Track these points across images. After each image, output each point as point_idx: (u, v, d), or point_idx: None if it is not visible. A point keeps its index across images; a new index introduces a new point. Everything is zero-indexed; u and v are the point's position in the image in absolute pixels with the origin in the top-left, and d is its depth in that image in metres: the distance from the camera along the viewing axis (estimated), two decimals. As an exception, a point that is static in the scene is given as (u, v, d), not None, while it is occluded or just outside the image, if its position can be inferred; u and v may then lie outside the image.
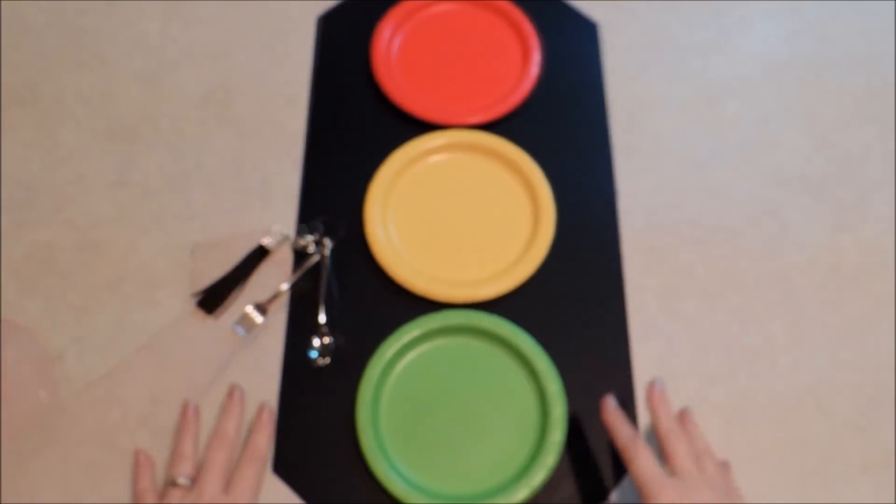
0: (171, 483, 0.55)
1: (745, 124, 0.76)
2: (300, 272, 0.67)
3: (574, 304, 0.67)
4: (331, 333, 0.65)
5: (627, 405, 0.63)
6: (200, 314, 0.66)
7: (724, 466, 0.55)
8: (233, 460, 0.58)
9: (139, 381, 0.63)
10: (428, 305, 0.66)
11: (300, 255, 0.68)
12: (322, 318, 0.65)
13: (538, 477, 0.58)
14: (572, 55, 0.79)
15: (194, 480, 0.56)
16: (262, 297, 0.67)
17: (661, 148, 0.75)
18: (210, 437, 0.59)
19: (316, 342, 0.65)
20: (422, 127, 0.74)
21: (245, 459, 0.57)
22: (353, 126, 0.75)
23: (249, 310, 0.66)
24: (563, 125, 0.75)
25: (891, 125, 0.77)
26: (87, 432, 0.61)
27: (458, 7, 0.81)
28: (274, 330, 0.65)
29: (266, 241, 0.68)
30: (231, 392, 0.61)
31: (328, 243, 0.68)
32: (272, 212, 0.70)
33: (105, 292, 0.66)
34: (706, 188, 0.73)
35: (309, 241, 0.68)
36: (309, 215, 0.70)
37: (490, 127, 0.75)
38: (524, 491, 0.58)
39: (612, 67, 0.79)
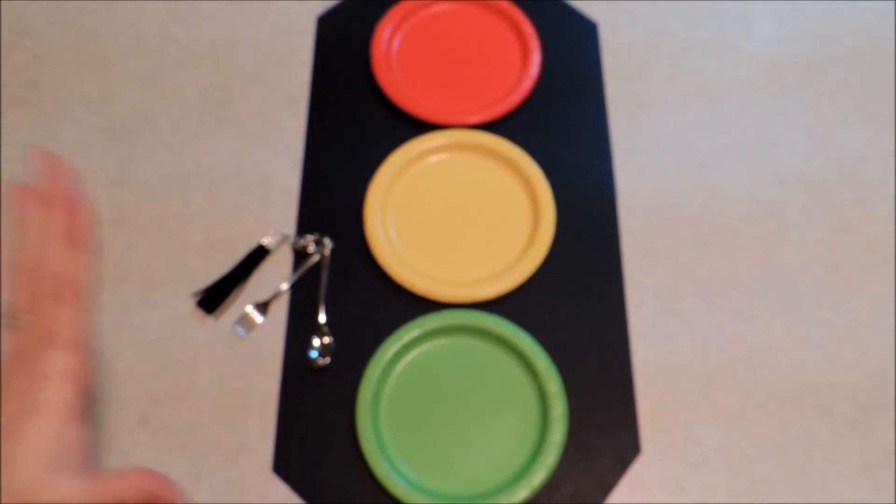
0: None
1: (745, 124, 0.76)
2: (300, 272, 0.67)
3: (574, 304, 0.67)
4: (330, 333, 0.65)
5: (627, 404, 0.63)
6: (200, 314, 0.66)
7: None
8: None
9: (139, 381, 0.63)
10: (428, 305, 0.66)
11: (300, 255, 0.68)
12: (322, 318, 0.65)
13: (538, 477, 0.58)
14: (572, 55, 0.79)
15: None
16: (262, 297, 0.67)
17: (661, 148, 0.75)
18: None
19: (316, 342, 0.65)
20: (421, 127, 0.74)
21: (50, 296, 0.39)
22: (352, 126, 0.75)
23: (249, 310, 0.66)
24: (563, 125, 0.75)
25: (890, 125, 0.77)
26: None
27: (457, 7, 0.81)
28: (274, 330, 0.65)
29: (266, 241, 0.68)
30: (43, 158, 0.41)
31: (328, 243, 0.68)
32: (272, 212, 0.70)
33: (105, 292, 0.66)
34: (706, 188, 0.73)
35: (309, 241, 0.68)
36: (309, 215, 0.70)
37: (490, 127, 0.75)
38: (524, 491, 0.58)
39: (611, 67, 0.79)
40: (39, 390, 0.36)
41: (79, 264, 0.39)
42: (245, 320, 0.65)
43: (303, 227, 0.70)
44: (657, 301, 0.68)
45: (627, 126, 0.76)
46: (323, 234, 0.69)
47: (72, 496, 0.36)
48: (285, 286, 0.67)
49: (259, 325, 0.65)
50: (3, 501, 0.35)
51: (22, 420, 0.36)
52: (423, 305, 0.66)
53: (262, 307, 0.66)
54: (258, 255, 0.68)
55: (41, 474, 0.35)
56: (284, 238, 0.69)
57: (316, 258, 0.68)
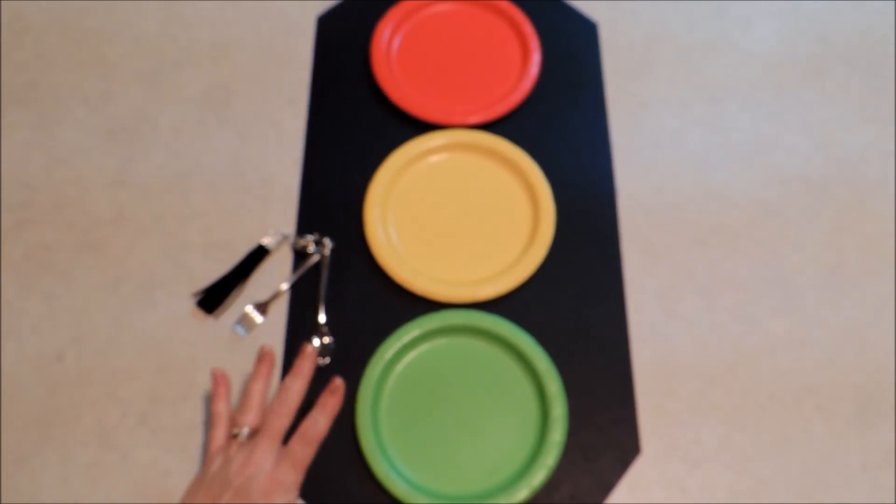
0: (233, 434, 0.56)
1: (745, 124, 0.76)
2: (300, 272, 0.67)
3: (574, 304, 0.67)
4: (331, 333, 0.65)
5: (627, 404, 0.63)
6: (200, 314, 0.66)
7: None
8: (288, 428, 0.57)
9: (139, 381, 0.63)
10: (428, 305, 0.66)
11: (300, 255, 0.68)
12: (322, 318, 0.65)
13: (538, 477, 0.58)
14: (572, 55, 0.79)
15: (252, 434, 0.56)
16: (262, 297, 0.67)
17: (661, 148, 0.75)
18: (273, 398, 0.58)
19: (316, 342, 0.65)
20: (422, 127, 0.74)
21: (298, 438, 0.56)
22: (352, 126, 0.75)
23: (249, 310, 0.66)
24: (563, 125, 0.75)
25: (891, 125, 0.77)
26: (87, 432, 0.61)
27: (458, 7, 0.81)
28: (274, 330, 0.65)
29: (266, 241, 0.68)
30: (304, 350, 0.60)
31: (328, 243, 0.68)
32: (272, 212, 0.70)
33: (105, 292, 0.67)
34: (706, 188, 0.73)
35: (309, 241, 0.68)
36: (309, 215, 0.70)
37: (490, 127, 0.75)
38: (524, 491, 0.58)
39: (611, 67, 0.79)
40: (279, 495, 0.53)
41: (326, 425, 0.57)
42: (245, 320, 0.65)
43: (303, 227, 0.70)
44: (657, 301, 0.68)
45: (627, 126, 0.76)
46: (323, 234, 0.69)
47: None
48: (285, 286, 0.67)
49: (259, 325, 0.65)
50: None
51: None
52: (423, 305, 0.66)
53: (262, 307, 0.66)
54: (258, 255, 0.68)
55: None
56: (284, 238, 0.69)
57: (316, 258, 0.68)
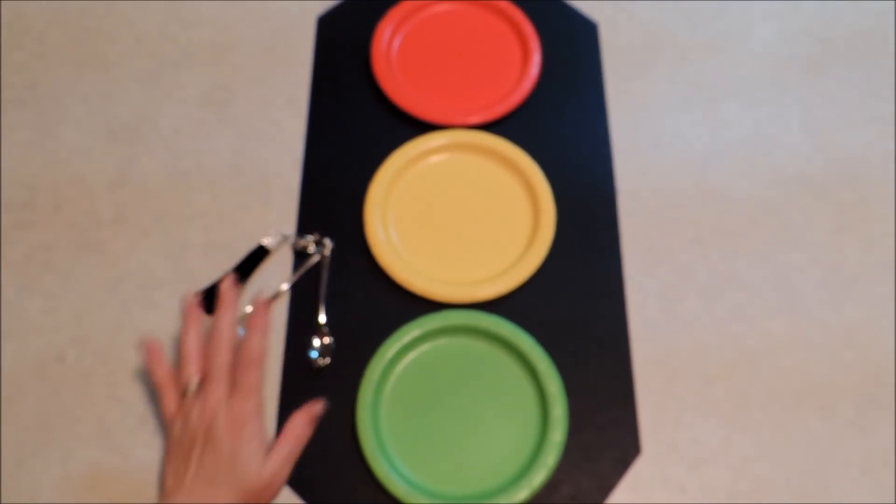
0: (183, 391, 0.56)
1: (745, 124, 0.76)
2: (300, 272, 0.67)
3: (574, 304, 0.67)
4: (331, 333, 0.65)
5: (627, 404, 0.63)
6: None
7: None
8: (231, 363, 0.57)
9: (139, 381, 0.63)
10: (428, 305, 0.66)
11: (300, 256, 0.68)
12: (322, 318, 0.65)
13: (538, 477, 0.58)
14: (572, 55, 0.79)
15: (201, 382, 0.56)
16: (262, 297, 0.67)
17: (661, 148, 0.75)
18: (207, 340, 0.58)
19: (316, 342, 0.65)
20: (422, 127, 0.74)
21: (241, 366, 0.56)
22: (352, 126, 0.75)
23: (250, 310, 0.66)
24: (563, 125, 0.75)
25: (891, 125, 0.77)
26: (87, 432, 0.61)
27: (458, 7, 0.81)
28: (274, 330, 0.65)
29: (266, 242, 0.68)
30: (223, 284, 0.61)
31: (328, 243, 0.68)
32: (272, 212, 0.70)
33: (105, 292, 0.67)
34: (706, 188, 0.73)
35: (309, 241, 0.68)
36: (309, 215, 0.70)
37: (490, 127, 0.75)
38: (524, 491, 0.58)
39: (611, 67, 0.79)
40: (244, 428, 0.54)
41: (260, 343, 0.58)
42: (245, 321, 0.65)
43: (303, 228, 0.70)
44: (657, 301, 0.68)
45: (627, 126, 0.76)
46: (323, 234, 0.69)
47: (277, 468, 0.54)
48: (285, 286, 0.67)
49: (259, 325, 0.65)
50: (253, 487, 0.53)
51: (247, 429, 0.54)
52: (423, 305, 0.66)
53: (262, 307, 0.66)
54: (258, 255, 0.68)
55: (261, 463, 0.54)
56: (284, 238, 0.69)
57: (316, 258, 0.68)
